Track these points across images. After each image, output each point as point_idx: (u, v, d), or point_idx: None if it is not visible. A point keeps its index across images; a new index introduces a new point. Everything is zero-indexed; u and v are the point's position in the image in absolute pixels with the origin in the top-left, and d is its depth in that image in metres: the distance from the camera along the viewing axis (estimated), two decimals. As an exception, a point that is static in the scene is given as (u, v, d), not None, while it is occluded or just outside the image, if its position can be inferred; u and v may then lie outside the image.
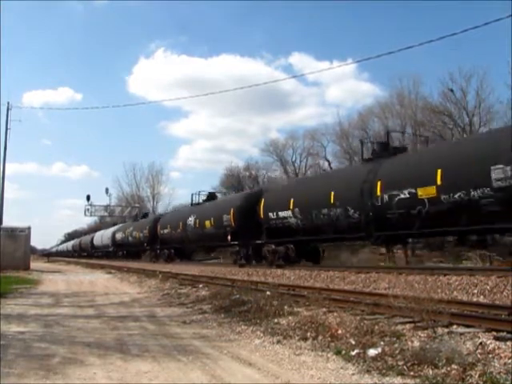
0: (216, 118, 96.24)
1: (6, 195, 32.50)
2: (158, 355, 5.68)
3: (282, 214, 19.07)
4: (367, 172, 15.48)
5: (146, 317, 9.11)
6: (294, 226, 18.58)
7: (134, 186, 72.12)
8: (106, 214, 55.19)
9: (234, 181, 52.99)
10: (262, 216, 20.34)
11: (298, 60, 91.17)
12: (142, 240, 37.23)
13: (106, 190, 54.05)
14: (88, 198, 51.04)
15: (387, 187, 14.26)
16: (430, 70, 67.40)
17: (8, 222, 33.02)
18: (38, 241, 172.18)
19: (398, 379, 4.45)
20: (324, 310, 8.06)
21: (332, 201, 16.33)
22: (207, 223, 25.32)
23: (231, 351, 5.87)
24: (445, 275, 11.06)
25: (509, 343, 5.15)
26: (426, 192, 12.93)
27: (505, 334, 5.54)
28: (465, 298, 9.12)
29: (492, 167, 11.21)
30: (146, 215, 46.95)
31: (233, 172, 55.27)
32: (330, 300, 8.78)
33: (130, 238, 40.97)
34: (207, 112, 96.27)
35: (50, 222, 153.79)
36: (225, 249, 28.06)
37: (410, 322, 6.60)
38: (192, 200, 30.53)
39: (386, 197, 14.25)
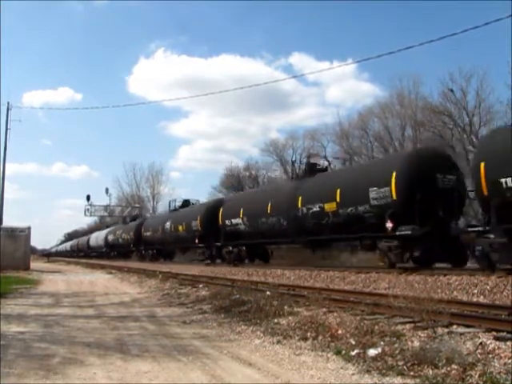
0: (216, 118, 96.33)
1: (6, 195, 32.52)
2: (158, 355, 5.67)
3: (234, 221, 23.07)
4: (293, 189, 19.35)
5: (146, 317, 9.11)
6: (244, 231, 22.45)
7: (133, 186, 72.26)
8: (105, 214, 55.23)
9: (233, 181, 52.99)
10: (220, 222, 24.17)
11: (298, 60, 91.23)
12: (130, 241, 41.08)
13: (106, 190, 54.20)
14: (88, 198, 51.15)
15: (305, 202, 17.85)
16: (429, 70, 67.43)
17: (8, 222, 33.01)
18: (38, 241, 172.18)
19: (398, 379, 4.45)
20: (324, 310, 8.07)
21: (269, 211, 20.11)
22: (180, 228, 29.63)
23: (231, 351, 5.87)
24: (445, 275, 11.07)
25: (509, 343, 5.15)
26: (329, 206, 16.49)
27: (505, 334, 5.54)
28: (465, 298, 9.13)
29: (370, 189, 14.57)
30: (134, 218, 48.33)
31: (233, 172, 55.28)
32: (330, 300, 8.78)
33: (120, 240, 44.87)
34: (207, 112, 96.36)
35: (50, 222, 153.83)
36: (196, 250, 30.10)
37: (410, 322, 6.60)
38: (169, 206, 36.23)
39: (304, 209, 17.83)
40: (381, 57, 19.26)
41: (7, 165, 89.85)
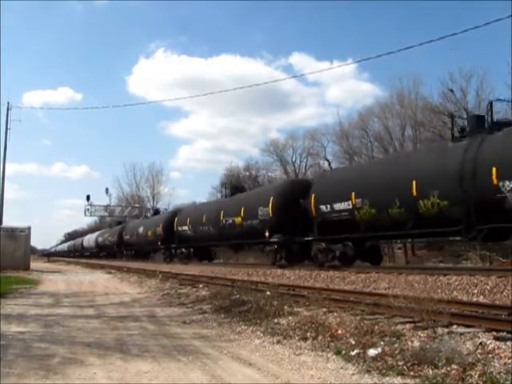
0: (216, 118, 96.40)
1: (6, 195, 32.54)
2: (158, 355, 5.68)
3: (184, 227, 29.44)
4: (218, 205, 26.15)
5: (146, 317, 9.11)
6: (190, 236, 28.63)
7: (133, 186, 72.26)
8: (105, 213, 55.21)
9: (234, 181, 53.01)
10: (175, 229, 30.73)
11: (298, 60, 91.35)
12: (114, 243, 47.15)
13: (106, 189, 54.25)
14: (88, 197, 51.18)
15: (225, 215, 24.00)
16: (429, 70, 67.48)
17: (8, 222, 33.06)
18: (38, 241, 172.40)
19: (398, 379, 4.45)
20: (324, 310, 8.06)
21: (204, 221, 26.60)
22: (149, 232, 36.42)
23: (231, 351, 5.87)
24: (445, 275, 11.07)
25: (509, 343, 5.15)
26: (238, 220, 22.62)
27: (505, 333, 5.54)
28: (465, 298, 9.12)
29: (258, 208, 20.73)
30: (119, 222, 53.11)
31: (233, 172, 55.33)
32: (330, 300, 8.78)
33: (107, 242, 51.08)
34: (207, 112, 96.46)
35: (50, 222, 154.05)
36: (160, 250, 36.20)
37: (409, 322, 6.60)
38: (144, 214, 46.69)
39: (223, 221, 24.02)
40: (380, 57, 19.30)
41: (7, 165, 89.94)
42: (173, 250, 32.24)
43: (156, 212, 44.46)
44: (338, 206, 16.55)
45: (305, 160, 50.79)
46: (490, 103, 14.26)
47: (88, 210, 51.67)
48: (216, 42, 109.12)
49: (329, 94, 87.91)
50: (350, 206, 15.94)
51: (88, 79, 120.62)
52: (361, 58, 66.59)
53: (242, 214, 22.02)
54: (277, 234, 19.54)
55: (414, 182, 13.43)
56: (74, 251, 72.40)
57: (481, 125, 13.53)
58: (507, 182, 11.25)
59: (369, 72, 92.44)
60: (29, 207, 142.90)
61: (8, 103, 31.51)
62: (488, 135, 12.52)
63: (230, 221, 23.57)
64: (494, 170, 11.48)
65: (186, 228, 29.31)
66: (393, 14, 78.49)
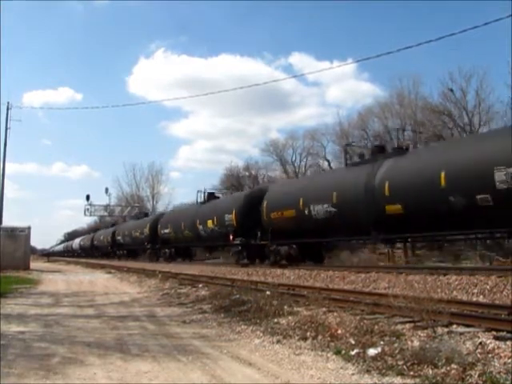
0: (216, 118, 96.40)
1: (6, 195, 32.54)
2: (158, 355, 5.68)
3: (166, 230, 33.25)
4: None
5: (145, 316, 9.11)
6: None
7: (133, 186, 72.26)
8: (105, 213, 55.22)
9: (233, 181, 53.01)
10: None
11: (298, 60, 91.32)
12: (108, 243, 50.60)
13: (106, 189, 54.23)
14: (88, 197, 51.20)
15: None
16: (429, 70, 67.41)
17: (8, 222, 33.05)
18: (38, 241, 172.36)
19: (398, 379, 4.45)
20: (324, 309, 8.06)
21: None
22: (138, 233, 40.30)
23: (231, 351, 5.87)
24: (444, 275, 11.07)
25: (509, 343, 5.15)
26: (209, 225, 26.05)
27: (505, 333, 5.54)
28: (464, 298, 9.13)
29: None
30: (113, 224, 56.42)
31: (233, 172, 55.30)
32: (330, 300, 8.78)
33: (100, 242, 55.13)
34: (207, 112, 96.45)
35: (50, 222, 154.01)
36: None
37: (409, 322, 6.60)
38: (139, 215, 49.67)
39: (199, 226, 27.36)
40: (380, 56, 19.28)
41: (7, 164, 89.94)
42: (157, 250, 36.02)
43: (145, 215, 48.43)
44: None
45: (305, 160, 50.79)
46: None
47: (88, 209, 51.71)
48: (216, 42, 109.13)
49: (329, 93, 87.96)
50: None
51: (88, 79, 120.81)
52: (361, 57, 66.36)
53: (212, 220, 25.85)
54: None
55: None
56: (68, 251, 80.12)
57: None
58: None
59: (369, 72, 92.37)
60: (29, 207, 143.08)
61: (8, 103, 31.58)
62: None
63: (204, 225, 27.32)
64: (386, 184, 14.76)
65: (167, 231, 33.13)
66: (393, 13, 78.55)
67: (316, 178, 24.77)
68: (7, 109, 31.07)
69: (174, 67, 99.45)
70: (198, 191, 32.26)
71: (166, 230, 33.31)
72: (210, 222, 26.10)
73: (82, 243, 67.86)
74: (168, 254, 34.32)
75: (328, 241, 19.53)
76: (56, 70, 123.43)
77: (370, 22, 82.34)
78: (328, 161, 46.46)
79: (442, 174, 12.76)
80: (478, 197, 11.81)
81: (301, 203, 18.29)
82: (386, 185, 14.65)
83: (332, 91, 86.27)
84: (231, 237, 23.30)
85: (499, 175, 11.40)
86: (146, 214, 49.35)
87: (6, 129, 30.69)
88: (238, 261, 23.26)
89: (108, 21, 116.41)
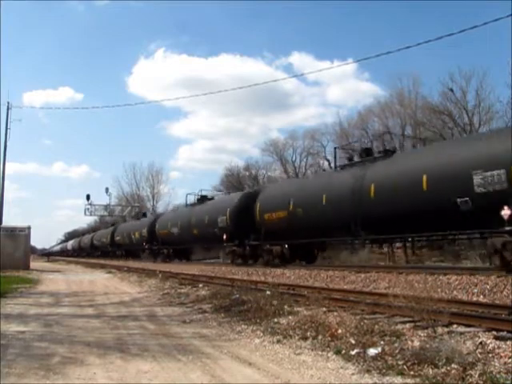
0: (216, 117, 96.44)
1: (6, 195, 32.51)
2: (158, 355, 5.67)
3: (164, 231, 33.71)
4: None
5: (145, 316, 9.11)
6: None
7: (133, 186, 72.26)
8: (105, 213, 55.22)
9: (233, 180, 53.00)
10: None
11: (299, 60, 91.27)
12: (107, 243, 50.80)
13: (106, 189, 54.18)
14: (88, 197, 51.16)
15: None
16: (430, 70, 67.39)
17: (8, 221, 33.02)
18: (38, 241, 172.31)
19: (398, 379, 4.44)
20: (324, 309, 8.06)
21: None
22: (137, 234, 40.73)
23: (231, 351, 5.87)
24: (445, 275, 11.07)
25: (509, 343, 5.15)
26: (204, 226, 26.54)
27: (505, 333, 5.54)
28: (465, 298, 9.13)
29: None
30: (112, 224, 56.99)
31: (233, 172, 55.31)
32: (330, 299, 8.78)
33: (99, 242, 56.11)
34: (207, 112, 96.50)
35: (50, 221, 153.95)
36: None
37: (409, 322, 6.60)
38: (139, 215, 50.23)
39: (194, 227, 28.20)
40: (380, 56, 19.30)
41: (7, 164, 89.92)
42: (155, 250, 36.38)
43: (143, 215, 48.92)
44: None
45: (305, 160, 50.78)
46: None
47: (88, 209, 51.69)
48: (216, 42, 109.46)
49: (329, 93, 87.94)
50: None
51: (88, 79, 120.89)
52: (361, 57, 66.36)
53: (206, 222, 26.36)
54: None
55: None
56: (64, 251, 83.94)
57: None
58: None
59: (370, 72, 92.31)
60: (29, 207, 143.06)
61: (8, 103, 31.49)
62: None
63: (198, 226, 27.79)
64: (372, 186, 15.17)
65: (165, 231, 33.64)
66: (393, 13, 78.47)
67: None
68: (7, 109, 31.04)
69: (174, 67, 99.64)
70: (187, 194, 33.75)
71: (164, 231, 33.86)
72: (203, 223, 26.59)
73: (81, 243, 68.35)
74: (166, 253, 34.80)
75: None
76: (56, 70, 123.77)
77: (371, 21, 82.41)
78: (328, 160, 46.41)
79: (424, 177, 13.20)
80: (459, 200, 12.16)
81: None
82: (372, 187, 15.11)
83: (332, 91, 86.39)
84: (225, 237, 23.74)
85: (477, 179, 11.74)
86: (145, 215, 49.82)
87: (6, 129, 30.65)
88: (233, 261, 24.03)
89: (108, 21, 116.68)
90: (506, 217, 11.13)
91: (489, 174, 11.87)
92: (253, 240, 21.93)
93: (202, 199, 31.07)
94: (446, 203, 12.24)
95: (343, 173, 17.90)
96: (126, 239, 44.30)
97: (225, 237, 23.73)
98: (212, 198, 31.86)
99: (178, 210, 40.16)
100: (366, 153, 18.09)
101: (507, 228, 11.23)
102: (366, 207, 15.21)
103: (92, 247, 59.22)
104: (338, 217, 16.56)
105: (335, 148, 24.95)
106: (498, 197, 11.35)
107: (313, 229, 17.92)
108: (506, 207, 11.10)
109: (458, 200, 12.07)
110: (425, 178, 13.15)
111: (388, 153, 17.05)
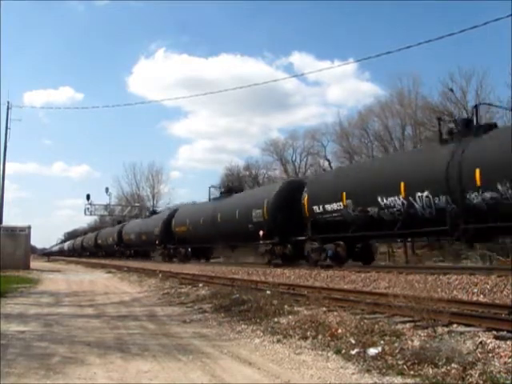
0: (217, 117, 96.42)
1: (6, 195, 32.52)
2: (158, 355, 5.67)
3: (182, 228, 30.67)
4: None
5: (146, 316, 9.11)
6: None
7: (133, 186, 72.28)
8: (105, 213, 55.24)
9: (234, 180, 53.02)
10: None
11: (299, 59, 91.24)
12: (112, 244, 49.35)
13: (106, 189, 54.12)
14: (88, 197, 51.11)
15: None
16: (430, 70, 67.44)
17: (8, 221, 33.01)
18: (38, 240, 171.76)
19: (398, 378, 4.44)
20: (324, 309, 8.06)
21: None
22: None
23: (231, 350, 5.87)
24: (445, 274, 11.07)
25: (509, 342, 5.15)
26: (234, 221, 23.32)
27: (505, 333, 5.54)
28: (465, 297, 9.13)
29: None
30: (119, 222, 54.98)
31: (233, 171, 55.35)
32: (330, 299, 8.78)
33: (105, 241, 54.27)
34: (208, 112, 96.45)
35: (50, 221, 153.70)
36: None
37: (410, 322, 6.60)
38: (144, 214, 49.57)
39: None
40: (380, 56, 19.28)
41: (7, 164, 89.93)
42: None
43: (153, 212, 45.12)
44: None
45: (305, 159, 50.82)
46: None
47: (88, 209, 51.67)
48: (216, 42, 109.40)
49: (330, 93, 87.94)
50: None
51: (89, 79, 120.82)
52: (361, 57, 66.35)
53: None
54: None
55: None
56: (61, 252, 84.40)
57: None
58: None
59: (370, 71, 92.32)
60: (29, 207, 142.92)
61: (8, 102, 31.51)
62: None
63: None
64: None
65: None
66: (393, 13, 78.46)
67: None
68: (7, 108, 31.06)
69: (175, 67, 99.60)
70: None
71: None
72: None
73: (84, 242, 66.59)
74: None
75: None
76: (57, 70, 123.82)
77: (371, 21, 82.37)
78: (328, 160, 46.52)
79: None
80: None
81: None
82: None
83: (333, 91, 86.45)
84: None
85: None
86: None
87: (6, 129, 30.68)
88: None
89: (109, 20, 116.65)
90: (260, 235, 20.34)
91: (258, 211, 20.89)
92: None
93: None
94: (244, 226, 21.27)
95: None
96: (135, 238, 41.23)
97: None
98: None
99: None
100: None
101: (261, 242, 20.76)
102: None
103: (96, 247, 57.15)
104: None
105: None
106: (260, 224, 20.65)
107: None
108: (261, 231, 20.35)
109: (249, 225, 21.10)
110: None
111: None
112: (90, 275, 24.40)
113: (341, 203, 16.35)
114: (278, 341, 6.31)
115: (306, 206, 18.08)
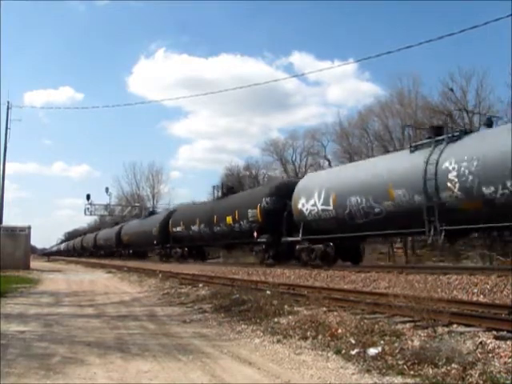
0: (217, 117, 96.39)
1: (6, 195, 32.50)
2: (158, 355, 5.67)
3: (178, 228, 30.67)
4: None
5: (146, 316, 9.11)
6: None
7: (133, 186, 72.29)
8: (106, 213, 55.19)
9: (234, 180, 53.01)
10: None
11: (299, 59, 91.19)
12: (111, 244, 49.72)
13: (106, 189, 54.05)
14: (88, 197, 51.04)
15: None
16: (430, 70, 67.36)
17: (8, 221, 33.00)
18: (38, 240, 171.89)
19: (398, 378, 4.44)
20: (324, 309, 8.06)
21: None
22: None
23: (231, 350, 5.87)
24: (445, 274, 11.07)
25: (509, 342, 5.15)
26: (229, 221, 23.72)
27: (505, 333, 5.54)
28: (465, 298, 9.12)
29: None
30: (117, 223, 55.38)
31: (233, 171, 55.32)
32: (330, 299, 8.78)
33: (103, 242, 55.41)
34: (208, 112, 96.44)
35: (50, 221, 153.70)
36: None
37: (410, 322, 6.60)
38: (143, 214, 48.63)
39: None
40: (380, 56, 19.24)
41: (7, 164, 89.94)
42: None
43: (151, 213, 45.06)
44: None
45: (305, 159, 50.81)
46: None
47: (88, 209, 51.59)
48: (216, 42, 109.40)
49: (330, 93, 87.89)
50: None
51: (89, 79, 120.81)
52: (362, 57, 66.29)
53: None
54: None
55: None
56: (58, 252, 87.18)
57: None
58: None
59: (370, 71, 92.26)
60: (29, 207, 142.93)
61: (8, 102, 31.48)
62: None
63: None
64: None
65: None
66: (394, 13, 78.46)
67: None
68: (7, 108, 31.03)
69: (175, 67, 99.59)
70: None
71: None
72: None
73: (84, 242, 66.90)
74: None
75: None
76: (57, 70, 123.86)
77: (371, 21, 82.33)
78: (328, 160, 46.49)
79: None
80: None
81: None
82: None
83: (333, 91, 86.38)
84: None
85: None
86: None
87: (6, 129, 30.65)
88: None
89: (109, 20, 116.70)
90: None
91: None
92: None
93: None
94: (239, 227, 22.42)
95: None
96: (134, 238, 41.69)
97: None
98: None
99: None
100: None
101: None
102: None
103: (95, 247, 57.72)
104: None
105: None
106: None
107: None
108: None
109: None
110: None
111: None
112: (89, 275, 24.39)
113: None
114: (278, 341, 6.31)
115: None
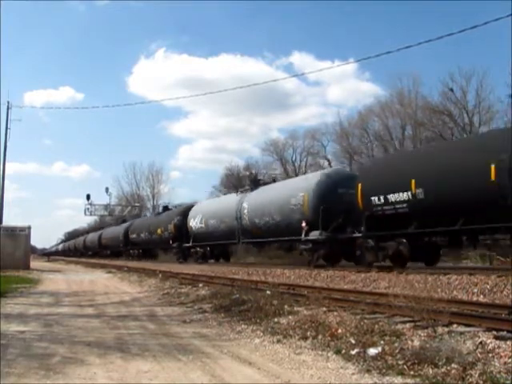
0: (217, 117, 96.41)
1: (6, 195, 32.50)
2: (158, 355, 5.67)
3: (200, 225, 28.19)
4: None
5: (146, 316, 9.11)
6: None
7: (133, 186, 72.36)
8: (105, 213, 55.21)
9: (233, 180, 53.03)
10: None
11: (299, 59, 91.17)
12: (118, 243, 46.86)
13: (106, 189, 54.13)
14: (88, 197, 51.13)
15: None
16: (430, 70, 67.45)
17: (8, 221, 33.00)
18: (38, 240, 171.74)
19: (398, 378, 4.44)
20: (324, 309, 8.06)
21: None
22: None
23: (231, 350, 5.87)
24: (445, 274, 11.07)
25: (509, 342, 5.14)
26: (264, 214, 21.50)
27: (505, 333, 5.53)
28: (465, 298, 9.13)
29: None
30: (124, 221, 53.04)
31: (233, 171, 55.37)
32: (330, 299, 8.78)
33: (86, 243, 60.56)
34: (208, 112, 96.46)
35: (50, 221, 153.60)
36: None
37: (410, 322, 6.60)
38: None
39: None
40: (380, 56, 19.26)
41: (7, 164, 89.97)
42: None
43: (165, 208, 39.64)
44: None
45: (305, 159, 50.85)
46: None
47: (88, 209, 51.70)
48: (216, 42, 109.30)
49: (330, 93, 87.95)
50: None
51: (89, 79, 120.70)
52: (361, 57, 66.33)
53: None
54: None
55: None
56: (57, 252, 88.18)
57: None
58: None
59: (370, 71, 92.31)
60: (29, 207, 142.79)
61: (8, 102, 31.50)
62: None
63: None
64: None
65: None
66: (393, 13, 78.44)
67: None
68: (7, 108, 31.06)
69: (175, 67, 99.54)
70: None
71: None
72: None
73: (87, 242, 64.70)
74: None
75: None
76: (57, 70, 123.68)
77: (371, 21, 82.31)
78: (328, 160, 46.54)
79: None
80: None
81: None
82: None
83: (333, 91, 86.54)
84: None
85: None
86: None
87: (7, 129, 30.69)
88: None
89: (109, 20, 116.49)
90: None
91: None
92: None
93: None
94: (279, 221, 20.13)
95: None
96: (144, 237, 38.44)
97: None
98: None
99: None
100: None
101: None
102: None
103: (100, 246, 55.30)
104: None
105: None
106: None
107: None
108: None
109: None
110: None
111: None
112: (90, 275, 24.39)
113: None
114: (278, 341, 6.31)
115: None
